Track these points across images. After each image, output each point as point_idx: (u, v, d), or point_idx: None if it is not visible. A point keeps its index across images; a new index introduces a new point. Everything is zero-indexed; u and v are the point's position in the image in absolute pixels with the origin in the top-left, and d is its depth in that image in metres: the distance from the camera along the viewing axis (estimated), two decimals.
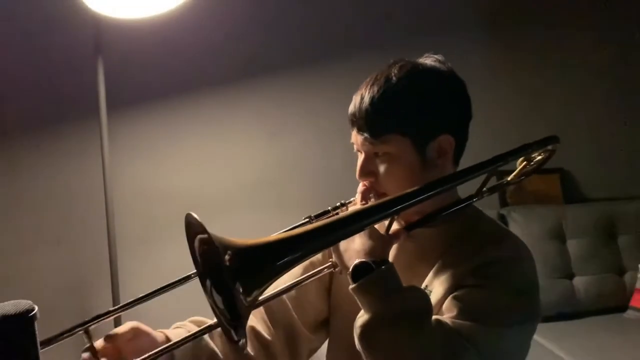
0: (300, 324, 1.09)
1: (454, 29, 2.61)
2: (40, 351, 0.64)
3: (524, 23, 2.72)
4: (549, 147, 1.02)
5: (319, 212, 0.97)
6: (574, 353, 2.10)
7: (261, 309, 1.07)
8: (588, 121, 2.80)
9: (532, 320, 0.91)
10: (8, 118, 2.24)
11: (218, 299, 0.78)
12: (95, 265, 2.25)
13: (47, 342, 0.80)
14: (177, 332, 0.98)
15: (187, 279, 0.93)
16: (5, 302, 0.63)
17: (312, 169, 2.53)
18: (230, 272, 0.71)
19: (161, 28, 2.06)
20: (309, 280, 0.97)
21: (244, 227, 2.42)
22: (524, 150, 1.00)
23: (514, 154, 0.99)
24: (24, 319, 0.61)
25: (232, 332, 0.75)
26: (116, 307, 0.90)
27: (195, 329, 0.94)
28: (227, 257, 0.72)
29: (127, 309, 0.91)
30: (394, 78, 0.93)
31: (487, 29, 2.69)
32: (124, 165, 2.28)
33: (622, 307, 2.43)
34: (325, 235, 0.82)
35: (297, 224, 0.94)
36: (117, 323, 2.09)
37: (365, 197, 0.97)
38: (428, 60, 0.99)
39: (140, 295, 0.92)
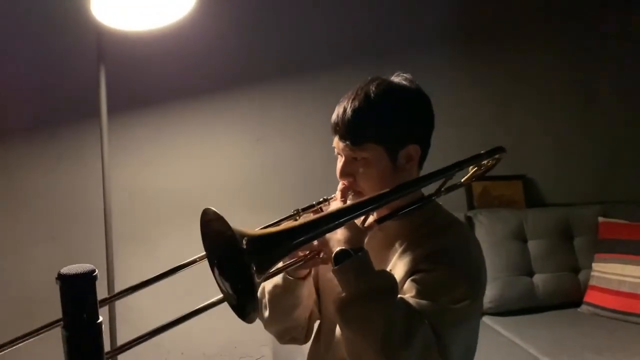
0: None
1: (425, 45, 2.78)
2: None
3: (489, 38, 2.90)
4: (497, 156, 1.22)
5: (305, 205, 1.12)
6: (533, 343, 2.23)
7: None
8: (548, 131, 2.98)
9: (474, 297, 1.06)
10: (9, 120, 2.31)
11: (232, 280, 0.93)
12: (91, 262, 2.31)
13: None
14: None
15: (193, 262, 1.07)
16: (72, 265, 0.78)
17: (294, 171, 2.65)
18: (248, 254, 0.86)
19: (158, 40, 2.19)
20: (300, 263, 1.10)
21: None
22: (476, 159, 1.19)
23: (467, 162, 1.18)
24: (91, 278, 0.77)
25: (244, 306, 0.89)
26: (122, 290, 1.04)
27: None
28: (244, 243, 0.88)
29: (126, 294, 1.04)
30: (372, 95, 1.08)
31: (454, 45, 2.86)
32: (121, 166, 2.37)
33: (577, 302, 2.58)
34: (319, 226, 0.97)
35: (286, 216, 1.11)
36: (112, 318, 2.20)
37: (344, 194, 1.13)
38: (400, 79, 1.15)
39: (145, 280, 1.06)
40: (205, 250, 0.96)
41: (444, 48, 2.84)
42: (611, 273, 2.56)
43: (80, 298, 0.76)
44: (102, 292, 2.15)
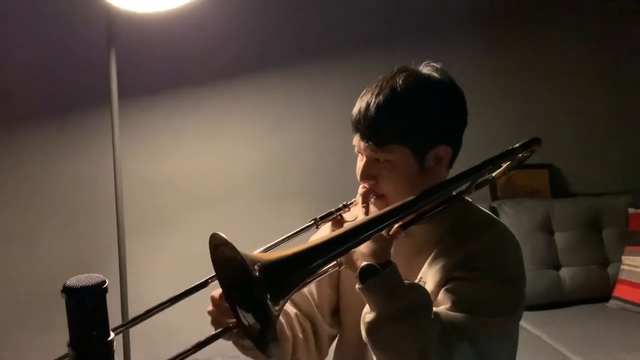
0: (320, 316, 1.17)
1: (448, 30, 2.66)
2: None
3: (515, 25, 2.78)
4: (532, 148, 1.08)
5: (323, 214, 1.00)
6: (561, 341, 2.16)
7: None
8: (576, 119, 2.87)
9: (516, 309, 0.98)
10: (19, 107, 2.25)
11: (247, 313, 0.84)
12: (103, 252, 2.28)
13: None
14: None
15: (205, 283, 0.96)
16: (81, 275, 0.70)
17: (311, 161, 2.57)
18: (262, 283, 0.77)
19: (171, 22, 2.10)
20: (319, 278, 1.01)
21: (243, 215, 2.49)
22: (510, 154, 1.05)
23: (500, 158, 1.04)
24: (101, 291, 0.68)
25: (263, 341, 0.80)
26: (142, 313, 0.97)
27: None
28: (256, 270, 0.78)
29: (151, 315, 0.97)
30: (399, 88, 0.97)
31: (478, 31, 2.74)
32: (133, 154, 2.31)
33: (606, 297, 2.50)
34: (338, 246, 0.86)
35: (303, 227, 1.00)
36: (125, 312, 2.14)
37: (365, 199, 1.02)
38: (429, 69, 1.02)
39: (161, 302, 0.97)
40: (217, 276, 0.86)
41: (468, 33, 2.72)
42: None
43: (89, 314, 0.67)
44: (114, 285, 2.09)
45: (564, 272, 2.53)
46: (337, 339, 1.24)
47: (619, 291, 2.50)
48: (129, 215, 2.15)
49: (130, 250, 2.16)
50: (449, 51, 2.48)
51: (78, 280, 0.69)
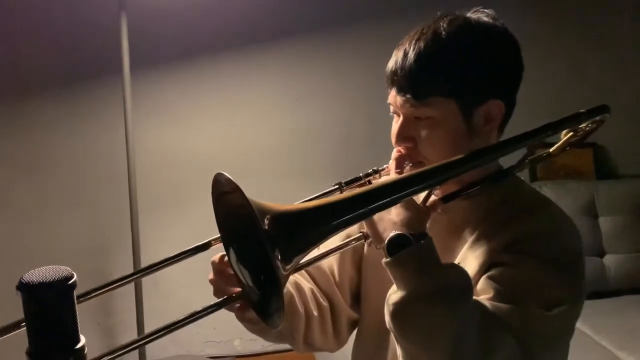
0: (340, 295, 1.05)
1: None
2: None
3: None
4: (599, 118, 0.94)
5: (350, 179, 0.89)
6: (605, 334, 2.06)
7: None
8: (626, 95, 2.68)
9: (574, 301, 0.83)
10: (27, 76, 2.18)
11: (250, 269, 0.74)
12: (116, 228, 2.23)
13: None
14: None
15: (208, 245, 0.84)
16: (43, 267, 0.57)
17: (335, 135, 2.47)
18: (272, 237, 0.66)
19: None
20: (340, 251, 0.90)
21: (264, 193, 2.36)
22: (575, 119, 0.91)
23: (564, 123, 0.91)
24: (64, 287, 0.55)
25: (267, 308, 0.70)
26: (137, 270, 0.86)
27: None
28: (266, 222, 0.66)
29: (147, 273, 0.85)
30: (443, 33, 0.85)
31: None
32: (146, 127, 2.23)
33: None
34: (368, 202, 0.75)
35: (326, 190, 0.87)
36: (139, 288, 2.08)
37: (400, 164, 0.89)
38: (479, 15, 0.89)
39: (160, 260, 0.85)
40: (220, 229, 0.76)
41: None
42: None
43: (52, 319, 0.55)
44: (127, 260, 2.00)
45: (609, 260, 2.40)
46: (356, 328, 1.11)
47: None
48: (142, 191, 2.08)
49: (144, 227, 2.10)
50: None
51: (38, 274, 0.56)
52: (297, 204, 0.78)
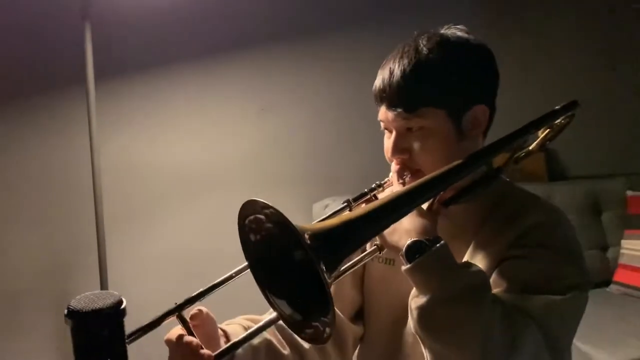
0: (343, 316, 1.06)
1: (445, 7, 2.55)
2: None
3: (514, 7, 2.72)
4: (570, 113, 1.02)
5: (357, 195, 0.93)
6: None
7: None
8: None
9: (584, 283, 0.88)
10: None
11: (294, 289, 0.75)
12: (79, 246, 2.14)
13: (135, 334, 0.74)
14: (233, 328, 0.93)
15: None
16: (91, 292, 0.55)
17: (302, 143, 2.47)
18: (315, 250, 0.67)
19: None
20: (360, 265, 0.91)
21: (233, 206, 2.34)
22: (552, 115, 0.98)
23: (544, 120, 0.97)
24: (115, 313, 0.54)
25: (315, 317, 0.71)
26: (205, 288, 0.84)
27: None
28: (306, 238, 0.68)
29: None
30: (424, 49, 0.90)
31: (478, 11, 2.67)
32: (111, 139, 2.16)
33: (606, 282, 2.47)
34: (396, 209, 0.79)
35: (337, 209, 0.91)
36: None
37: (400, 176, 0.93)
38: (453, 30, 0.95)
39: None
40: (249, 258, 0.77)
41: (461, 7, 2.62)
42: None
43: (101, 345, 0.52)
44: (90, 278, 1.92)
45: None
46: (360, 344, 1.12)
47: (620, 276, 2.47)
48: (109, 206, 2.00)
49: (110, 244, 2.01)
50: (440, 24, 2.39)
51: (86, 300, 0.54)
52: (323, 221, 0.80)
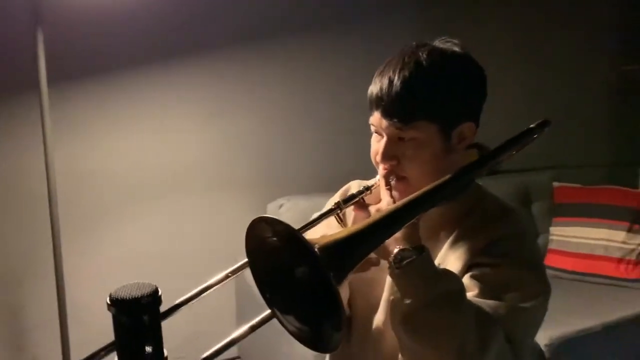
0: None
1: (386, 10, 2.64)
2: None
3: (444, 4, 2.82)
4: (543, 129, 1.08)
5: (346, 197, 0.97)
6: None
7: None
8: (500, 98, 2.98)
9: (546, 292, 0.95)
10: None
11: (306, 299, 0.78)
12: (33, 255, 2.10)
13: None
14: None
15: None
16: (125, 285, 0.60)
17: (253, 146, 2.50)
18: (325, 262, 0.71)
19: (102, 2, 1.94)
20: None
21: (186, 207, 2.37)
22: (529, 133, 1.04)
23: (523, 137, 1.03)
24: (153, 301, 0.59)
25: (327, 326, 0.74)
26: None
27: None
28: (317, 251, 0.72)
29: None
30: (424, 63, 0.93)
31: (409, 11, 2.73)
32: (65, 146, 2.12)
33: None
34: (392, 224, 0.82)
35: (325, 211, 0.95)
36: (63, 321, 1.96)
37: (388, 181, 0.97)
38: (449, 45, 0.98)
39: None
40: (256, 273, 0.77)
41: (399, 16, 2.69)
42: (569, 236, 2.65)
43: (141, 331, 0.58)
44: (50, 291, 1.89)
45: None
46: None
47: (550, 260, 2.66)
48: (64, 213, 1.97)
49: (66, 251, 1.98)
50: (381, 35, 2.51)
51: (127, 290, 0.59)
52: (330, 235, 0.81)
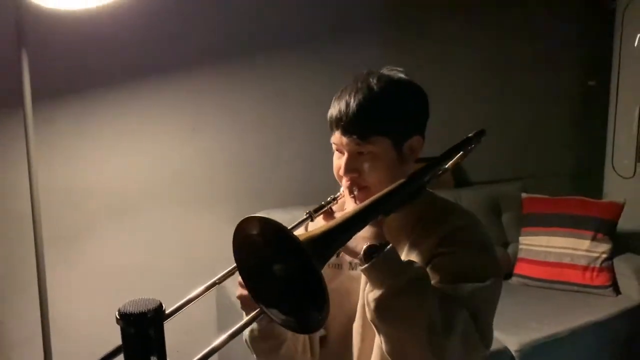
0: None
1: (352, 27, 2.72)
2: None
3: (412, 22, 2.91)
4: (480, 138, 1.24)
5: (317, 206, 1.08)
6: None
7: None
8: (471, 114, 3.05)
9: (499, 271, 1.09)
10: None
11: (293, 285, 0.87)
12: (16, 270, 2.12)
13: None
14: None
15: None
16: (132, 300, 0.66)
17: (231, 163, 2.55)
18: (310, 252, 0.81)
19: (86, 21, 1.97)
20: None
21: (166, 220, 2.40)
22: (467, 141, 1.21)
23: (462, 145, 1.20)
24: (157, 315, 0.65)
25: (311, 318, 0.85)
26: None
27: None
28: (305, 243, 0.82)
29: None
30: (375, 87, 1.07)
31: (379, 30, 2.82)
32: (48, 163, 2.14)
33: (508, 275, 2.75)
34: (361, 220, 0.94)
35: (300, 220, 1.06)
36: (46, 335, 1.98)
37: (351, 191, 1.11)
38: (395, 72, 1.14)
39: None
40: (242, 267, 0.88)
41: (372, 34, 2.79)
42: (537, 245, 2.75)
43: (148, 342, 0.64)
44: (34, 306, 1.91)
45: None
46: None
47: (519, 269, 2.76)
48: (46, 228, 1.97)
49: (49, 265, 1.99)
50: (351, 52, 2.60)
51: (134, 305, 0.65)
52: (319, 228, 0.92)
